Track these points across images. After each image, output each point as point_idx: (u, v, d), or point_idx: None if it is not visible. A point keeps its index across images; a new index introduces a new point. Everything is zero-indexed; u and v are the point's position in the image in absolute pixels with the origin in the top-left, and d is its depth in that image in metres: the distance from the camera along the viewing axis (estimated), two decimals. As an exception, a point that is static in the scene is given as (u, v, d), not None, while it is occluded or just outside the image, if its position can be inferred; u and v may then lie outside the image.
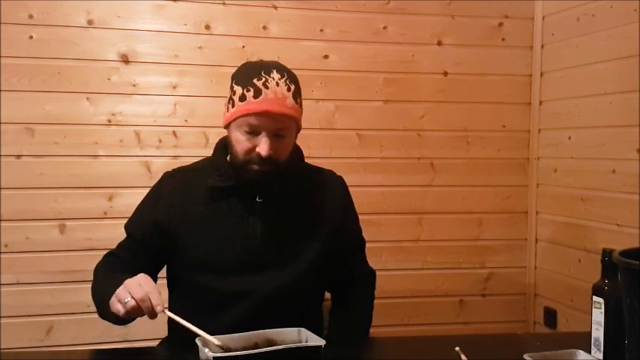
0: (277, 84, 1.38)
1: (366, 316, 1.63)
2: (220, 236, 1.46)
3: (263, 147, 1.38)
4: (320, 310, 1.64)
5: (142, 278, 1.27)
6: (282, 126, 1.40)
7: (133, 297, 1.23)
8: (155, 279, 1.54)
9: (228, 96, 1.44)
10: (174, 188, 1.51)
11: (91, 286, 1.48)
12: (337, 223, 1.56)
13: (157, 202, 1.51)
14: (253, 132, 1.39)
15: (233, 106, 1.40)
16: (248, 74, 1.40)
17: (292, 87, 1.41)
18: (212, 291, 1.45)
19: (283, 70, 1.42)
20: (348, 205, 1.62)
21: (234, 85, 1.42)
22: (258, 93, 1.37)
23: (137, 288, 1.24)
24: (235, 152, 1.43)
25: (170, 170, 1.57)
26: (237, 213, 1.46)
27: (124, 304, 1.24)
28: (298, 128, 1.48)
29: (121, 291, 1.26)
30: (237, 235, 1.46)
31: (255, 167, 1.41)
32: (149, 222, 1.50)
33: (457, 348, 1.32)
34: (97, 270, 1.51)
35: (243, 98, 1.38)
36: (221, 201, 1.47)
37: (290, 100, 1.39)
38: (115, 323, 1.36)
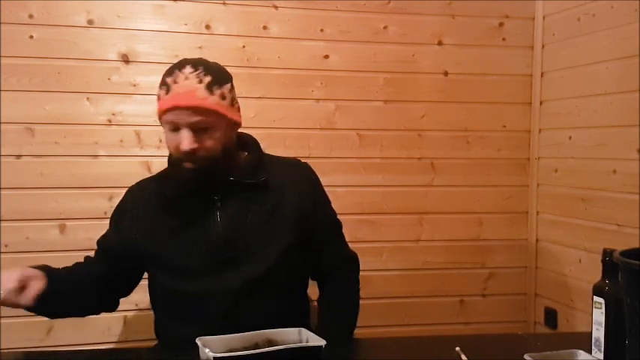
0: (186, 77, 1.38)
1: (353, 306, 1.61)
2: (185, 241, 1.46)
3: (182, 142, 1.38)
4: (305, 304, 1.63)
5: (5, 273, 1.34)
6: (198, 119, 1.38)
7: None
8: (127, 291, 1.58)
9: None
10: (136, 201, 1.54)
11: None
12: (307, 211, 1.53)
13: (121, 218, 1.54)
14: (175, 129, 1.40)
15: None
16: (166, 74, 1.42)
17: (207, 79, 1.38)
18: (185, 295, 1.46)
19: (199, 65, 1.41)
20: (316, 191, 1.59)
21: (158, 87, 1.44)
22: (168, 89, 1.38)
23: None
24: (169, 152, 1.45)
25: (134, 184, 1.60)
26: (198, 215, 1.47)
27: None
28: (229, 121, 1.44)
29: None
30: (201, 236, 1.46)
31: (187, 165, 1.41)
32: (116, 240, 1.53)
33: (457, 348, 1.32)
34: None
35: (159, 98, 1.41)
36: (181, 206, 1.48)
37: (202, 92, 1.37)
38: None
